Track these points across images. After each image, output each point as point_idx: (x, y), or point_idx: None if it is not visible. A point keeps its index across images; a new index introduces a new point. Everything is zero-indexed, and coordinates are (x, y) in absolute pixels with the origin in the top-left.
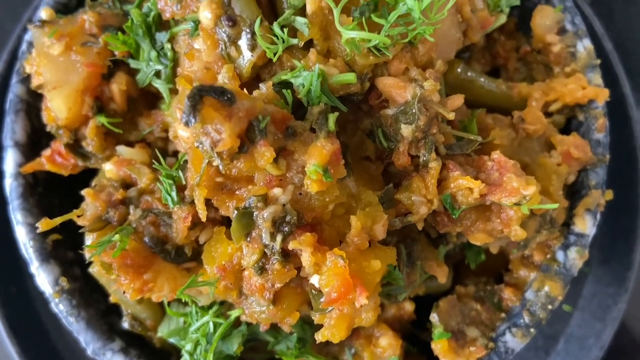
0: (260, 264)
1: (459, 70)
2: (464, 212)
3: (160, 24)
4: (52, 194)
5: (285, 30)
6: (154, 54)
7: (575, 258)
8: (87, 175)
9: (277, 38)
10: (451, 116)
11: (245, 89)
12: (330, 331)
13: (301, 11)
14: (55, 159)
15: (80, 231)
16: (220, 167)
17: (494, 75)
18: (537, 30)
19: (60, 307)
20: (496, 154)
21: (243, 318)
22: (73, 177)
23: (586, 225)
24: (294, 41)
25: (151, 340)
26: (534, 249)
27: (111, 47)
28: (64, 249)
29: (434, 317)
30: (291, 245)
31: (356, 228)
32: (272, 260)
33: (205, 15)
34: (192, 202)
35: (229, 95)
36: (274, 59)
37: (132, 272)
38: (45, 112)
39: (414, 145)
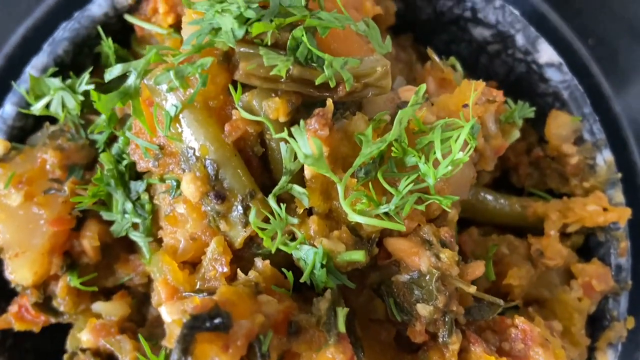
0: None
1: (470, 194)
2: None
3: (135, 171)
4: (25, 341)
5: (283, 206)
6: (129, 205)
7: None
8: None
9: (273, 214)
10: (472, 290)
11: (235, 261)
12: None
13: (298, 175)
14: (23, 316)
15: None
16: None
17: (503, 179)
18: (552, 140)
19: None
20: (520, 322)
21: None
22: None
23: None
24: (294, 221)
25: None
26: None
27: (85, 199)
28: None
29: None
30: None
31: None
32: None
33: (190, 191)
34: None
35: (224, 321)
36: (272, 247)
37: None
38: (7, 271)
39: (432, 322)
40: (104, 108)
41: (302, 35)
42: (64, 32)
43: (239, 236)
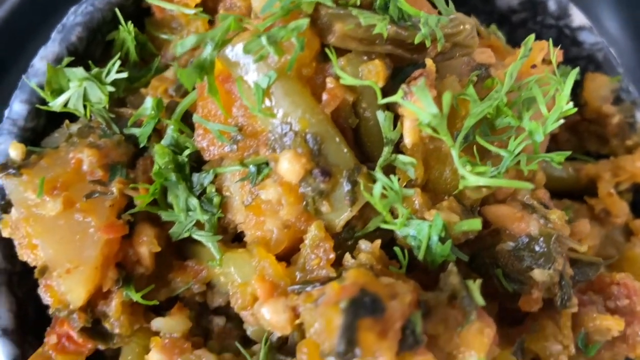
0: None
1: None
2: None
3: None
4: None
5: (395, 178)
6: (194, 201)
7: None
8: None
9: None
10: (584, 249)
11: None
12: None
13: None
14: (65, 347)
15: None
16: None
17: None
18: (592, 102)
19: None
20: (622, 277)
21: None
22: None
23: None
24: (410, 192)
25: None
26: None
27: (140, 198)
28: None
29: None
30: None
31: None
32: None
33: (290, 170)
34: None
35: (378, 304)
36: (394, 223)
37: None
38: (48, 294)
39: (547, 289)
40: (187, 82)
41: None
42: (76, 17)
43: (343, 217)
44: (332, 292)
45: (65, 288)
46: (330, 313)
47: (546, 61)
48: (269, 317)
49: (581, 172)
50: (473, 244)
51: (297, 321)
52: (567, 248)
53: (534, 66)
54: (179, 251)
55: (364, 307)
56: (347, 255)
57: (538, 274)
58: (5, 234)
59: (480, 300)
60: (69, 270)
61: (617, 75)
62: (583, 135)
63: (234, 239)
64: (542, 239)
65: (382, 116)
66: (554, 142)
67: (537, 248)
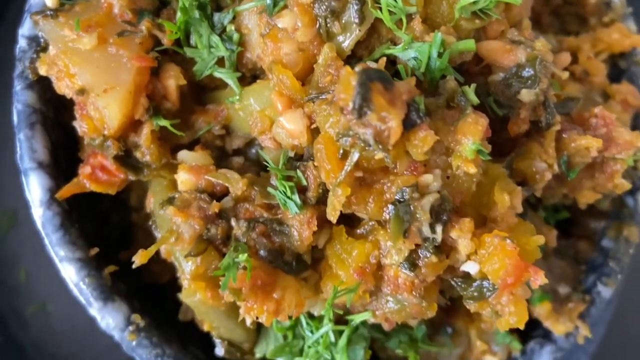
0: (410, 259)
1: None
2: None
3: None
4: (85, 220)
5: None
6: (215, 38)
7: None
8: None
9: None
10: (565, 75)
11: None
12: (515, 318)
13: None
14: (98, 177)
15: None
16: (387, 159)
17: None
18: None
19: (139, 350)
20: (598, 109)
21: (372, 320)
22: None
23: None
24: (412, 9)
25: None
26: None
27: (169, 35)
28: (119, 282)
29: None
30: (453, 234)
31: (505, 204)
32: (423, 254)
33: None
34: (315, 204)
35: (389, 79)
36: (399, 30)
37: (261, 294)
38: (84, 122)
39: (533, 110)
40: None
41: None
42: None
43: (353, 37)
44: (346, 71)
45: (103, 105)
46: (347, 76)
47: None
48: (288, 126)
49: (563, 43)
50: (468, 79)
51: (313, 126)
52: (551, 73)
53: None
54: (199, 101)
55: (376, 74)
56: None
57: (525, 94)
58: (42, 72)
59: (474, 98)
60: (106, 90)
61: None
62: (565, 18)
63: (250, 81)
64: (529, 64)
65: None
66: (538, 25)
67: (524, 74)
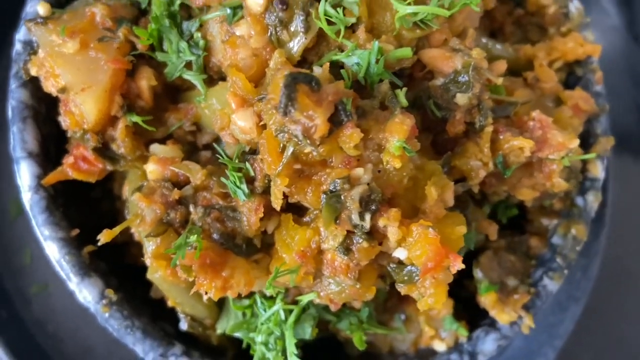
0: (344, 245)
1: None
2: None
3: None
4: (70, 204)
5: (340, 9)
6: (183, 44)
7: (592, 201)
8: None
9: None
10: (500, 81)
11: None
12: (432, 299)
13: None
14: (80, 166)
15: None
16: (314, 153)
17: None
18: None
19: (111, 320)
20: (536, 113)
21: (317, 301)
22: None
23: (598, 170)
24: (352, 20)
25: (208, 339)
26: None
27: (142, 41)
28: (97, 259)
29: (477, 273)
30: (381, 222)
31: (433, 197)
32: (356, 240)
33: (256, 1)
34: (262, 193)
35: (316, 81)
36: (338, 38)
37: (211, 272)
38: (67, 117)
39: (468, 112)
40: None
41: None
42: None
43: (300, 44)
44: (279, 75)
45: (80, 102)
46: (277, 79)
47: None
48: (240, 123)
49: (519, 51)
50: (413, 86)
51: (261, 123)
52: (485, 79)
53: None
54: (173, 100)
55: (302, 77)
56: None
57: (460, 98)
58: (33, 73)
59: (403, 101)
60: (83, 89)
61: None
62: (527, 27)
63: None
64: (464, 71)
65: None
66: (502, 34)
67: (460, 79)
